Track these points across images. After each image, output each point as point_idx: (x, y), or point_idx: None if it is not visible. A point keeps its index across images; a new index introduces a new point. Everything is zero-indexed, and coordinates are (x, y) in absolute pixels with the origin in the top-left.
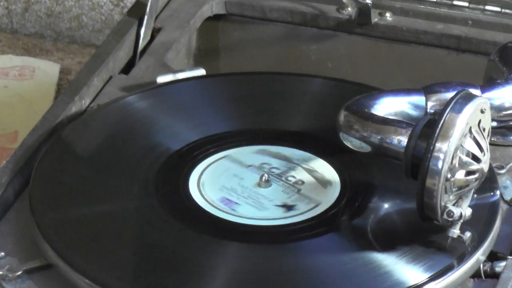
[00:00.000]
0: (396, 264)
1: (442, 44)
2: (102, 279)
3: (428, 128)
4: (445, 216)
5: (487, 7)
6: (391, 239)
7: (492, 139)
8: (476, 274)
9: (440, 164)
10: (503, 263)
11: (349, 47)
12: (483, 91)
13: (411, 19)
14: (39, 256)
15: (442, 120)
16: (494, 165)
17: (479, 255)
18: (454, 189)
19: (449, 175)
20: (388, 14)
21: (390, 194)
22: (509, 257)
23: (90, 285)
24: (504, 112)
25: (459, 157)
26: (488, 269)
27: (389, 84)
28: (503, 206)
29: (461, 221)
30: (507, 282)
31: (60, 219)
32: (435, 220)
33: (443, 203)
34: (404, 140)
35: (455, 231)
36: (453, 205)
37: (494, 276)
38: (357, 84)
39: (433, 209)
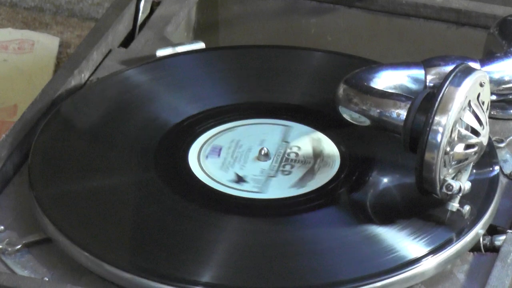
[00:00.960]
0: (397, 238)
1: (441, 18)
2: (101, 253)
3: (427, 102)
4: (444, 190)
5: None
6: (391, 212)
7: (492, 113)
8: (475, 248)
9: (439, 138)
10: (502, 237)
11: (349, 21)
12: (482, 65)
13: None
14: (38, 230)
15: (441, 94)
16: (493, 138)
17: (479, 228)
18: (453, 163)
19: (448, 149)
20: None
21: (389, 168)
22: (509, 231)
23: (89, 259)
24: (504, 86)
25: (458, 131)
26: (488, 243)
27: (389, 58)
28: (502, 180)
29: (460, 194)
30: (507, 255)
31: (59, 193)
32: (434, 194)
33: (442, 177)
34: (403, 113)
35: (454, 205)
36: (452, 178)
37: (494, 250)
38: (356, 58)
39: (432, 183)
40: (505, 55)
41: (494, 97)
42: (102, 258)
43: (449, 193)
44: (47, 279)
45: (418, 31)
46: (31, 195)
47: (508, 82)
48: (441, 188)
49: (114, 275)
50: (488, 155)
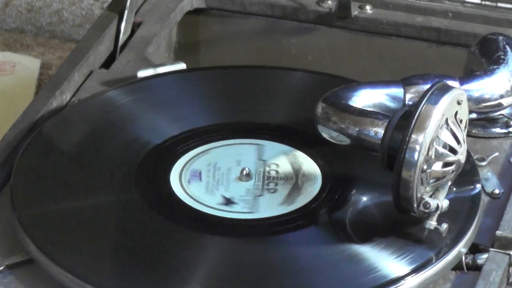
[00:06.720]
0: (378, 257)
1: (422, 37)
2: (83, 274)
3: (404, 120)
4: (421, 208)
5: None
6: (373, 232)
7: (473, 131)
8: (458, 267)
9: (416, 156)
10: (485, 255)
11: (329, 40)
12: (462, 83)
13: (391, 11)
14: (21, 251)
15: (418, 112)
16: (475, 157)
17: (461, 247)
18: (430, 181)
19: (425, 167)
20: (368, 7)
21: (370, 187)
22: (491, 249)
23: (71, 280)
24: (483, 104)
25: (435, 149)
26: (470, 262)
27: (370, 77)
28: (484, 198)
29: (438, 212)
30: (489, 274)
31: (41, 213)
32: (411, 212)
33: (419, 195)
34: (380, 131)
35: (432, 223)
36: (430, 196)
37: (476, 268)
38: (337, 77)
39: (409, 201)
40: (485, 73)
41: (474, 116)
42: (85, 279)
43: (427, 211)
44: None
45: (399, 50)
46: (13, 216)
47: (488, 100)
48: (418, 206)
49: None
50: (469, 174)
